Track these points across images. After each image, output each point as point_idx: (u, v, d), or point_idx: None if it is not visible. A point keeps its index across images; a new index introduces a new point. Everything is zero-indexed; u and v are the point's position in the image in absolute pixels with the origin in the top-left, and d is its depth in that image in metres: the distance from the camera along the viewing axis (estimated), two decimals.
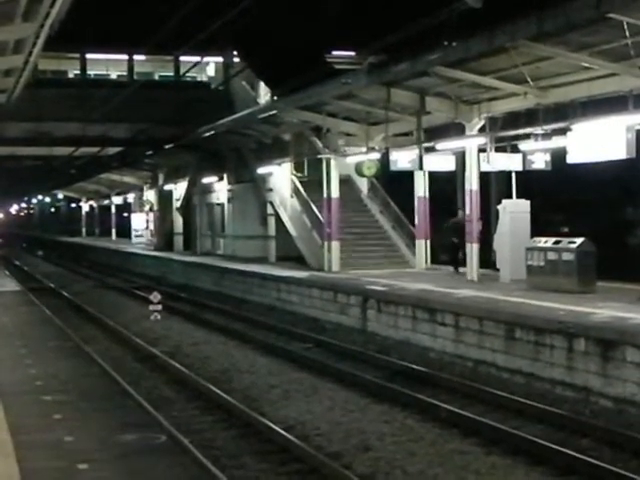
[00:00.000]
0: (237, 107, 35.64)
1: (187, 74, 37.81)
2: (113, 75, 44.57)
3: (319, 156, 26.88)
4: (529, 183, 22.21)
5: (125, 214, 62.89)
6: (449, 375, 15.24)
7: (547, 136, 19.10)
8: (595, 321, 13.82)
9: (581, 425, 11.71)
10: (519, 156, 21.10)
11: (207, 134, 33.41)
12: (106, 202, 65.76)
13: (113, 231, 63.76)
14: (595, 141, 16.03)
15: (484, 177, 22.47)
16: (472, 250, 21.54)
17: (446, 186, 27.96)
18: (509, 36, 16.15)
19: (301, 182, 29.51)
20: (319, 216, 27.32)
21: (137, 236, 53.87)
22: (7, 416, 9.56)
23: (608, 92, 17.31)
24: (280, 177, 30.48)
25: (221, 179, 36.77)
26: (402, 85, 21.13)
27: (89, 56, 40.83)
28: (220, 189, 37.31)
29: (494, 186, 26.74)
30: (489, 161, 21.02)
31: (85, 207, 75.14)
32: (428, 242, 25.80)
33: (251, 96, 36.79)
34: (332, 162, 26.12)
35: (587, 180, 24.15)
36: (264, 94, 36.38)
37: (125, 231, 59.25)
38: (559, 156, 18.97)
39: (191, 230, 41.51)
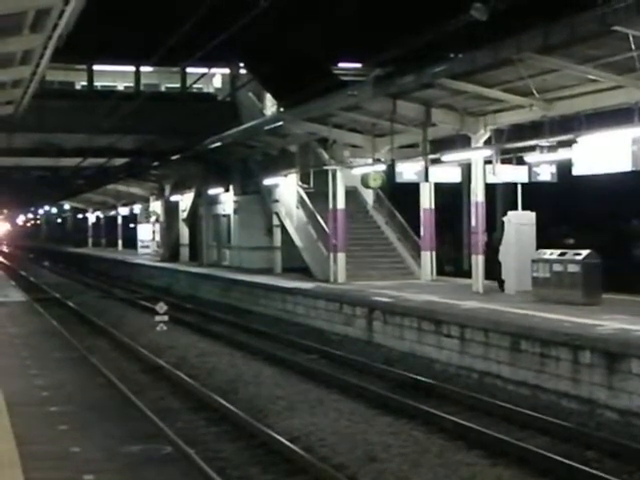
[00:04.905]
0: (243, 118, 35.74)
1: (193, 86, 37.92)
2: (120, 86, 44.69)
3: (325, 167, 26.92)
4: (535, 195, 22.22)
5: (131, 225, 62.97)
6: (455, 387, 15.23)
7: (553, 148, 19.12)
8: (601, 333, 13.81)
9: (586, 437, 11.69)
10: (525, 168, 21.14)
11: (213, 145, 33.51)
12: (112, 213, 65.86)
13: (119, 242, 63.83)
14: (601, 153, 16.02)
15: (490, 189, 22.49)
16: (477, 262, 21.55)
17: (452, 198, 28.00)
18: (515, 48, 16.20)
19: (307, 193, 29.53)
20: (325, 227, 27.34)
21: (143, 247, 53.95)
22: (13, 427, 9.57)
23: (614, 104, 17.34)
24: (286, 188, 30.53)
25: (227, 190, 36.84)
26: (408, 97, 21.18)
27: (96, 67, 40.97)
28: (226, 200, 37.37)
29: (500, 198, 26.78)
30: (495, 173, 21.04)
31: (91, 218, 75.26)
32: (434, 253, 25.79)
33: (257, 107, 36.88)
34: (338, 173, 26.17)
35: (593, 192, 24.18)
36: (270, 105, 36.48)
37: (131, 242, 59.31)
38: (565, 168, 18.99)
39: (197, 241, 41.55)
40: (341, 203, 26.18)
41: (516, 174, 21.42)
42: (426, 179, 23.35)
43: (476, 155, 21.36)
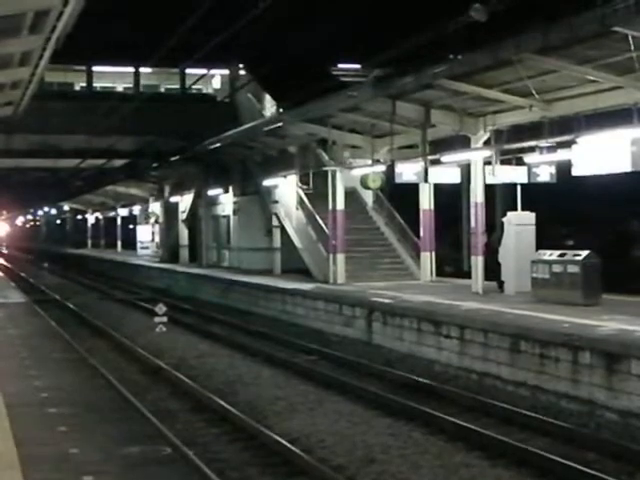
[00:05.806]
0: (243, 119, 35.78)
1: (193, 87, 37.97)
2: (119, 88, 44.72)
3: (324, 168, 26.91)
4: (534, 196, 22.22)
5: (131, 226, 62.97)
6: (454, 388, 15.22)
7: (552, 149, 19.11)
8: (600, 334, 13.81)
9: (586, 438, 11.68)
10: (524, 169, 21.14)
11: (213, 146, 33.50)
12: (112, 214, 65.87)
13: (119, 243, 63.83)
14: (600, 154, 16.02)
15: (489, 190, 22.49)
16: (477, 262, 21.55)
17: (451, 198, 27.98)
18: (514, 49, 16.19)
19: (306, 194, 29.54)
20: (324, 228, 27.34)
21: (143, 248, 53.94)
22: (12, 428, 9.56)
23: (613, 105, 17.34)
24: (285, 189, 30.52)
25: (226, 191, 36.83)
26: (407, 98, 21.17)
27: (95, 69, 41.05)
28: (225, 201, 37.36)
29: (499, 199, 26.77)
30: (494, 174, 21.04)
31: (91, 219, 75.28)
32: (433, 254, 25.78)
33: (257, 108, 36.93)
34: (337, 174, 26.16)
35: (592, 193, 24.15)
36: (270, 106, 36.53)
37: (131, 243, 59.28)
38: (564, 169, 18.99)
39: (196, 242, 41.53)
40: (340, 204, 26.17)
41: (515, 175, 21.41)
42: (425, 180, 23.34)
43: (475, 156, 21.37)
